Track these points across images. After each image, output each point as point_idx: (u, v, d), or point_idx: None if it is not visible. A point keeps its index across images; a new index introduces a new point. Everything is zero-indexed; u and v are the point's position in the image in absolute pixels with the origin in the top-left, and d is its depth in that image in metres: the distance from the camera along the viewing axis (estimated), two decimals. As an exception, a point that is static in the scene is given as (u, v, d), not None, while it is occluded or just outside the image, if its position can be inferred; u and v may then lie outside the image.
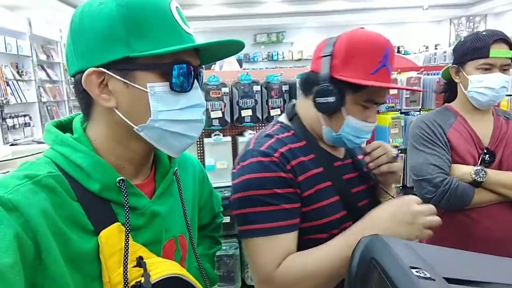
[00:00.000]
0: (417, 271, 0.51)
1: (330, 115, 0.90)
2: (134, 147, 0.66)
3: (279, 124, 0.99)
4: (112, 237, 0.60)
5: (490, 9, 10.23)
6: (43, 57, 6.92)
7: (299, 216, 0.89)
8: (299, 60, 10.83)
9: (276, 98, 2.02)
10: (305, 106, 0.97)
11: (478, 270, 0.58)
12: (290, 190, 0.87)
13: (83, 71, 0.60)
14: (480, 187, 1.33)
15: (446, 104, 1.54)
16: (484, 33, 1.37)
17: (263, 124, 2.16)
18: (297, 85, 2.05)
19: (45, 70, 7.03)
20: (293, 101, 1.03)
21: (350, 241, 0.76)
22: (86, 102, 0.65)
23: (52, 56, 7.27)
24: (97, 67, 0.60)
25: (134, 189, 0.65)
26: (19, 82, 6.00)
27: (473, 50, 1.36)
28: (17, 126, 5.87)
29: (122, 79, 0.60)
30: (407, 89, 1.01)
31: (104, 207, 0.62)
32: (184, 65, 0.62)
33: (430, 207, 0.82)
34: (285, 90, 2.05)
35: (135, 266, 0.60)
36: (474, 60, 1.36)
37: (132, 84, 0.60)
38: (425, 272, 0.51)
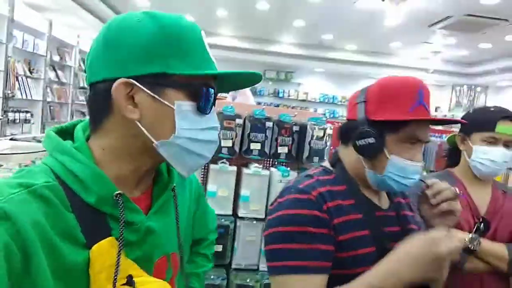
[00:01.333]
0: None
1: (372, 158, 0.91)
2: (143, 160, 0.67)
3: (321, 167, 1.01)
4: (104, 251, 0.59)
5: (492, 82, 10.66)
6: (56, 58, 7.02)
7: (331, 259, 0.86)
8: (303, 101, 11.09)
9: (286, 136, 2.08)
10: (346, 153, 0.99)
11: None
12: (324, 230, 0.86)
13: (110, 80, 0.61)
14: (473, 255, 1.37)
15: (448, 169, 1.61)
16: (492, 108, 1.46)
17: (269, 159, 2.21)
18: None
19: (55, 71, 7.10)
20: (337, 148, 1.04)
21: (374, 283, 0.79)
22: (101, 111, 0.64)
23: (65, 58, 7.37)
24: (128, 77, 0.61)
25: (131, 204, 0.64)
26: (28, 79, 6.05)
27: (480, 122, 1.44)
28: (17, 121, 5.86)
29: (152, 93, 0.62)
30: (449, 121, 1.03)
31: (99, 220, 0.61)
32: (211, 89, 0.66)
33: (459, 245, 0.79)
34: (295, 130, 2.11)
35: (124, 284, 0.59)
36: (480, 132, 1.43)
37: (161, 100, 0.62)
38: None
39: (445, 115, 6.69)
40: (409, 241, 0.81)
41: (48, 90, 6.76)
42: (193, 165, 0.68)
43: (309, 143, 2.07)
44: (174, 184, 0.75)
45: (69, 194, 0.59)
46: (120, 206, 0.61)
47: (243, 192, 2.01)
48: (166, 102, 0.62)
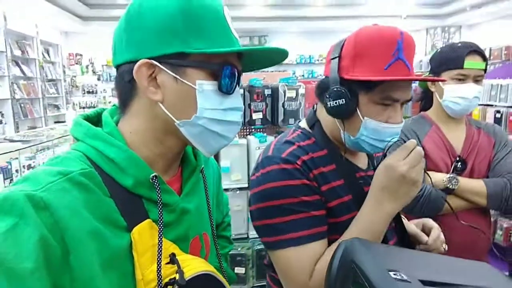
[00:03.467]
0: (394, 274, 0.54)
1: (345, 119, 0.85)
2: (170, 143, 0.66)
3: (300, 130, 0.95)
4: (144, 233, 0.60)
5: (465, 20, 10.61)
6: (17, 52, 6.71)
7: (326, 223, 0.86)
8: (280, 64, 10.91)
9: (259, 102, 2.04)
10: (323, 113, 0.93)
11: (451, 272, 0.61)
12: (317, 197, 0.85)
13: (133, 62, 0.61)
14: (452, 194, 1.39)
15: (422, 112, 1.60)
16: (459, 44, 1.42)
17: (244, 127, 2.17)
18: (278, 89, 2.07)
19: (19, 66, 6.80)
20: (315, 106, 0.99)
21: (365, 226, 0.81)
22: (127, 93, 0.65)
23: (27, 52, 7.05)
24: (150, 59, 0.60)
25: (166, 186, 0.65)
26: (-9, 78, 5.80)
27: (448, 60, 1.41)
28: (-12, 123, 5.67)
29: (173, 74, 0.61)
30: (423, 80, 0.95)
31: (135, 203, 0.62)
32: (232, 67, 0.64)
33: (413, 155, 0.79)
34: (267, 94, 2.07)
35: (167, 263, 0.60)
36: (449, 70, 1.41)
37: (182, 80, 0.61)
38: (402, 275, 0.54)
39: (421, 60, 6.67)
40: (374, 179, 0.83)
41: (15, 86, 6.50)
42: (216, 145, 0.67)
43: (283, 105, 2.03)
44: (202, 166, 0.76)
45: (105, 179, 0.59)
46: (157, 188, 0.62)
47: (223, 163, 1.98)
48: (187, 82, 0.61)
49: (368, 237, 0.78)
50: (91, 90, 9.57)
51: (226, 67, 0.63)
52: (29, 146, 3.25)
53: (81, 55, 9.74)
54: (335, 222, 0.87)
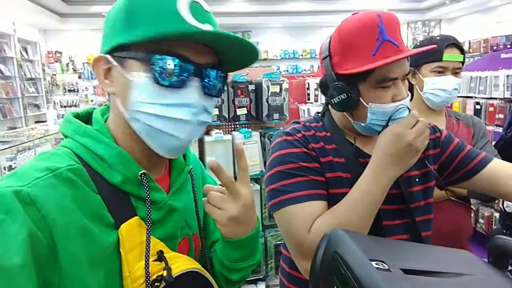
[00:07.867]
0: (376, 263, 0.54)
1: (352, 110, 0.90)
2: (138, 139, 0.63)
3: (313, 116, 1.05)
4: (132, 230, 0.60)
5: (444, 14, 10.82)
6: (-6, 51, 6.53)
7: (326, 189, 0.91)
8: (265, 59, 10.90)
9: (243, 97, 2.03)
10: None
11: (433, 260, 0.62)
12: (316, 165, 0.91)
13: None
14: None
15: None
16: (438, 38, 1.45)
17: (229, 123, 2.17)
18: (263, 85, 2.06)
19: (-4, 65, 6.63)
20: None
21: (368, 188, 0.83)
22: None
23: (4, 50, 6.87)
24: (108, 53, 0.62)
25: (154, 183, 0.65)
26: (-33, 78, 5.63)
27: (427, 54, 1.44)
28: (-34, 124, 5.51)
29: (118, 65, 0.61)
30: (413, 54, 0.92)
31: (123, 200, 0.61)
32: (168, 57, 0.58)
33: (420, 125, 0.82)
34: (251, 90, 2.06)
35: (155, 260, 0.60)
36: (428, 63, 1.44)
37: (123, 71, 0.60)
38: (384, 264, 0.55)
39: (403, 54, 6.72)
40: (379, 144, 0.85)
41: (-7, 86, 6.33)
42: (168, 145, 0.62)
43: (267, 101, 2.03)
44: (191, 167, 0.75)
45: (93, 176, 0.59)
46: (145, 185, 0.62)
47: (208, 160, 1.97)
48: (125, 74, 0.60)
49: (369, 199, 0.83)
50: (72, 89, 9.38)
51: (159, 56, 0.58)
52: (9, 147, 3.18)
53: (60, 52, 9.52)
54: (329, 193, 0.91)
